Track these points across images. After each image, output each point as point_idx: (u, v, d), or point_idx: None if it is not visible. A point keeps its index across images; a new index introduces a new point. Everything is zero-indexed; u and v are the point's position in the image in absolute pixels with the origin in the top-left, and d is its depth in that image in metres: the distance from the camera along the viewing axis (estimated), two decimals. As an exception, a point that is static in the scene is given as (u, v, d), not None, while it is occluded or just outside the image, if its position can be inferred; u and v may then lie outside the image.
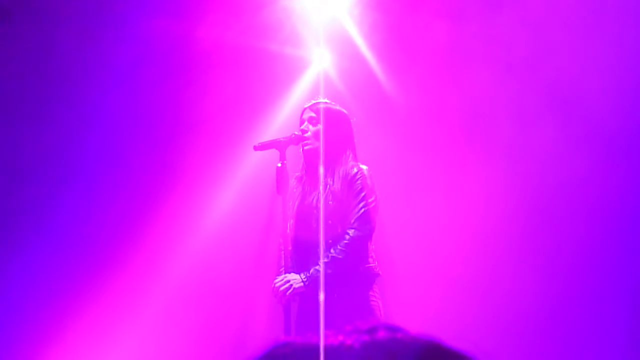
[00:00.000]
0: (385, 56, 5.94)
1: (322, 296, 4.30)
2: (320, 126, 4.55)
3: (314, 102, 4.69)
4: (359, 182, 4.42)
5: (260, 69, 6.01)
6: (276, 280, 4.41)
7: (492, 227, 5.77)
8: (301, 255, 4.49)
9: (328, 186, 4.47)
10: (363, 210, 4.38)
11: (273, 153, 4.54)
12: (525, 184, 5.78)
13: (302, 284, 4.32)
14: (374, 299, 4.43)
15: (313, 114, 4.62)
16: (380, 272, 4.50)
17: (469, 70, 5.87)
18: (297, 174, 4.67)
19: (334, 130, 4.58)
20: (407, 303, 5.65)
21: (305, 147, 4.55)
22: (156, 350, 5.79)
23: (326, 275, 4.29)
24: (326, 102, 4.67)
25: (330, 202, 4.43)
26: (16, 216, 5.86)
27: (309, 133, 4.55)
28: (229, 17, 5.92)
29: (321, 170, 4.51)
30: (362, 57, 5.92)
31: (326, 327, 4.15)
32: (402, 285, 5.71)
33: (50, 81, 5.92)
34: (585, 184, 5.65)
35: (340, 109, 4.70)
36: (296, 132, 4.58)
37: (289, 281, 4.34)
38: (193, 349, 5.81)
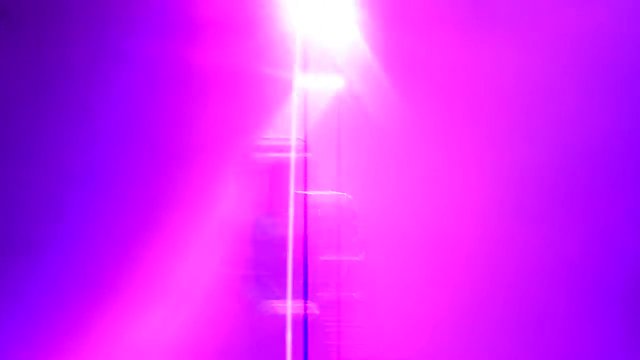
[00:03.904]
0: (390, 75, 5.98)
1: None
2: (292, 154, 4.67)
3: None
4: (349, 211, 4.58)
5: (248, 91, 6.02)
6: (259, 306, 4.45)
7: (488, 227, 5.83)
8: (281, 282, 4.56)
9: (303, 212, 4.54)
10: (357, 237, 4.50)
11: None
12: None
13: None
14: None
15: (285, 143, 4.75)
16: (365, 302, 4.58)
17: (485, 94, 5.94)
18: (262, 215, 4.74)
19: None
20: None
21: (283, 162, 4.64)
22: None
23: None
24: None
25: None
26: (18, 215, 5.93)
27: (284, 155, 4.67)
28: (221, 40, 5.95)
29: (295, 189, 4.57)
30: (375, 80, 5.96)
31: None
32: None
33: (49, 105, 5.99)
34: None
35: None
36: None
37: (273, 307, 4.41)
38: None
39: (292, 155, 4.70)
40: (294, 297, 4.58)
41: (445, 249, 5.87)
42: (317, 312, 4.35)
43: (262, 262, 4.68)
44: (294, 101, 5.89)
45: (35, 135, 6.00)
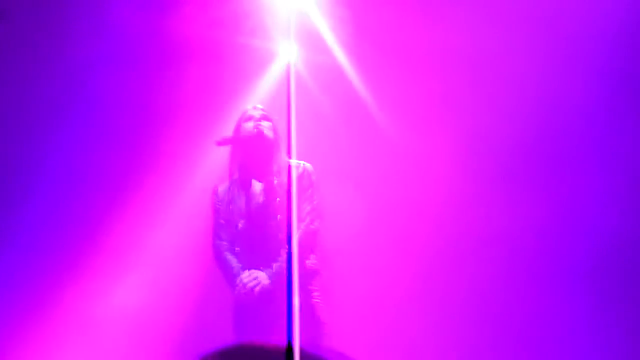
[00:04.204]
0: (353, 49, 5.94)
1: (295, 295, 4.32)
2: (270, 123, 4.63)
3: (257, 107, 4.83)
4: (311, 178, 4.58)
5: (227, 61, 6.00)
6: (243, 276, 4.41)
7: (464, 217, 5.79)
8: (256, 253, 4.51)
9: (276, 182, 4.51)
10: (314, 206, 4.47)
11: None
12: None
13: (269, 280, 4.34)
14: (315, 295, 4.48)
15: (264, 112, 4.75)
16: (320, 270, 4.56)
17: (441, 65, 5.87)
18: (223, 185, 4.68)
19: (278, 131, 4.74)
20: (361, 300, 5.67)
21: (263, 131, 4.59)
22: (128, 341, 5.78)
23: (282, 270, 4.32)
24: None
25: (278, 199, 4.48)
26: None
27: (258, 115, 4.63)
28: (198, 10, 5.90)
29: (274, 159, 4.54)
30: (330, 50, 5.91)
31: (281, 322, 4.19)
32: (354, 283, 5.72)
33: (32, 73, 5.90)
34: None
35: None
36: (256, 130, 4.60)
37: (256, 277, 4.36)
38: (161, 342, 5.78)
39: (266, 125, 4.66)
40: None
41: (407, 216, 5.87)
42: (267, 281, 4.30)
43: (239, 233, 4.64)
44: (272, 71, 5.88)
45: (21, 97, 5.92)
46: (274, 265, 4.39)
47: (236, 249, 4.55)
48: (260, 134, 4.58)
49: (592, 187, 5.62)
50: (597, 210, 5.60)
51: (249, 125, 4.68)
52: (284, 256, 4.34)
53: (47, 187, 5.91)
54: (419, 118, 5.90)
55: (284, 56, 5.87)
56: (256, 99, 5.86)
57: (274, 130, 4.73)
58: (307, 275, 4.48)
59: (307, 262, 4.49)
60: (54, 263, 5.81)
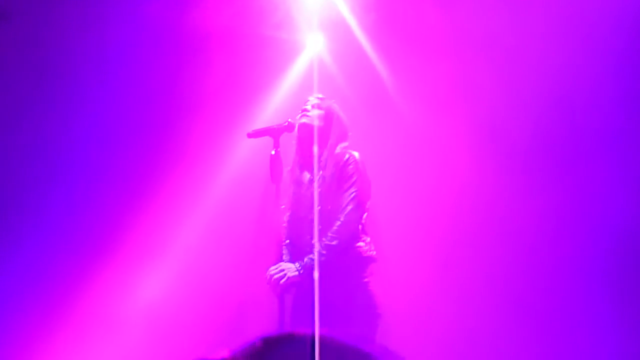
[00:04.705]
0: (379, 40, 5.91)
1: (317, 287, 4.28)
2: (321, 111, 4.57)
3: (315, 96, 4.72)
4: (350, 167, 4.43)
5: (254, 53, 5.97)
6: (271, 269, 4.39)
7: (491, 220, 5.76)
8: (297, 245, 4.49)
9: (320, 173, 4.45)
10: (354, 194, 4.37)
11: (267, 140, 4.51)
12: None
13: (296, 272, 4.30)
14: (370, 283, 4.40)
15: (318, 101, 4.63)
16: (376, 257, 4.47)
17: (465, 53, 5.83)
18: (288, 168, 4.64)
19: (334, 119, 4.61)
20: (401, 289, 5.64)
21: (301, 119, 4.54)
22: (149, 341, 5.76)
23: (321, 262, 4.26)
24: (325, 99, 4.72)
25: (319, 189, 4.43)
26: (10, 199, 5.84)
27: (308, 106, 4.56)
28: (222, 2, 5.88)
29: (315, 149, 4.50)
30: (356, 41, 5.88)
31: (326, 313, 4.16)
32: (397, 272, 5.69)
33: (46, 63, 5.88)
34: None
35: (335, 106, 4.72)
36: (290, 120, 4.55)
37: (283, 270, 4.33)
38: (187, 341, 5.77)
39: (314, 114, 4.61)
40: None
41: (428, 204, 5.84)
42: None
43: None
44: (299, 63, 5.86)
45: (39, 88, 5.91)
46: (306, 257, 4.35)
47: (286, 240, 4.54)
48: (289, 125, 4.52)
49: (612, 177, 5.57)
50: (617, 202, 5.56)
51: (299, 114, 4.63)
52: (317, 248, 4.30)
53: (73, 182, 5.91)
54: (443, 108, 5.86)
55: (310, 48, 5.85)
56: (282, 92, 5.84)
57: (325, 118, 4.60)
58: (359, 263, 4.41)
59: (360, 248, 4.40)
60: (79, 258, 5.81)
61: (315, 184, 4.43)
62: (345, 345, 1.30)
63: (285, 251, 4.55)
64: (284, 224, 4.57)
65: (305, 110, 4.61)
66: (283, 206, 4.55)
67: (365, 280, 4.40)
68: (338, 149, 4.55)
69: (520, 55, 5.72)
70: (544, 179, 5.70)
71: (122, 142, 5.97)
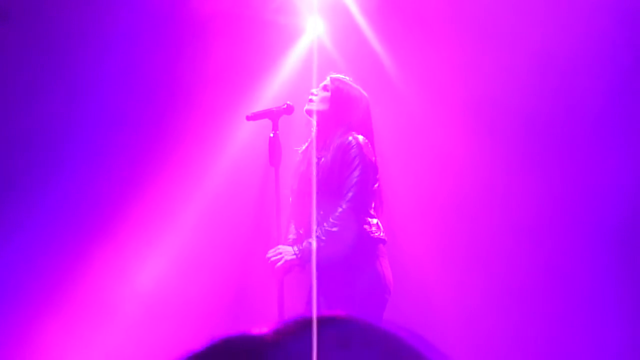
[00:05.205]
0: (379, 24, 5.89)
1: (314, 270, 4.27)
2: (328, 93, 4.50)
3: (330, 76, 4.58)
4: (352, 150, 4.28)
5: (254, 37, 5.95)
6: (269, 251, 4.37)
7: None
8: (300, 229, 4.46)
9: (322, 157, 4.40)
10: (356, 179, 4.28)
11: (266, 123, 4.50)
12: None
13: (294, 256, 4.27)
14: (379, 265, 4.33)
15: (327, 82, 4.54)
16: (384, 238, 4.40)
17: (466, 38, 5.81)
18: (300, 147, 4.61)
19: (341, 102, 4.50)
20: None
21: (305, 107, 4.47)
22: (146, 330, 5.76)
23: (320, 248, 4.23)
24: (344, 78, 4.59)
25: (319, 174, 4.37)
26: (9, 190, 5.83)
27: (314, 91, 4.48)
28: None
29: (313, 132, 4.46)
30: (356, 25, 5.86)
31: (332, 298, 4.16)
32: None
33: (48, 45, 5.86)
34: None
35: (358, 87, 4.60)
36: (289, 102, 4.53)
37: (281, 253, 4.30)
38: (186, 325, 5.76)
39: (319, 96, 4.56)
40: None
41: (428, 194, 5.83)
42: None
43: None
44: (298, 47, 5.84)
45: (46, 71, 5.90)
46: (305, 241, 4.33)
47: (291, 224, 4.51)
48: (288, 107, 4.50)
49: (612, 172, 5.56)
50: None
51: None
52: (316, 232, 4.27)
53: (71, 170, 5.89)
54: (443, 90, 5.85)
55: (310, 31, 5.83)
56: (282, 76, 5.83)
57: (331, 101, 4.45)
58: (365, 248, 4.34)
59: (365, 230, 4.31)
60: (74, 244, 5.79)
61: (314, 169, 4.38)
62: (377, 328, 1.28)
63: (292, 228, 4.53)
64: (290, 204, 4.54)
65: (312, 94, 4.51)
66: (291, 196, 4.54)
67: (372, 262, 4.36)
68: (347, 138, 4.43)
69: (521, 41, 5.70)
70: (545, 166, 5.69)
71: (120, 126, 5.95)
